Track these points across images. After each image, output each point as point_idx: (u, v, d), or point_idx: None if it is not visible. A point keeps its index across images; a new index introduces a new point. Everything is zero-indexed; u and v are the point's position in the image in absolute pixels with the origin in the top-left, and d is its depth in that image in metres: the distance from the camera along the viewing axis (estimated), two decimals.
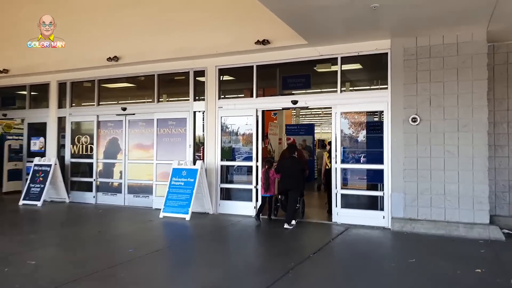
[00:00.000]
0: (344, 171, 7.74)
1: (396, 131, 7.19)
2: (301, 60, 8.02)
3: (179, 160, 8.68)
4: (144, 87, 10.14)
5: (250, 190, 8.42)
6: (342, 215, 7.61)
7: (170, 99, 9.93)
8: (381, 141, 7.40)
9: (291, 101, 8.10)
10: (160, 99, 9.59)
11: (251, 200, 8.40)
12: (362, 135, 7.69)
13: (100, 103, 10.32)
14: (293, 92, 8.35)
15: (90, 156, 10.30)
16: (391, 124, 7.25)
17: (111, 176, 10.21)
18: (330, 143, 8.86)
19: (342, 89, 7.71)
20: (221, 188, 8.77)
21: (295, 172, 7.62)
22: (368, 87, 7.77)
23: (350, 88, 7.85)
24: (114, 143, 10.11)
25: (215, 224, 7.79)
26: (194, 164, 8.58)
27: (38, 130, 11.21)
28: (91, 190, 10.22)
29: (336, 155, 7.71)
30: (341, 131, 7.71)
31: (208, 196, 8.54)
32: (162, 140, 9.41)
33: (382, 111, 7.41)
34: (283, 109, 8.68)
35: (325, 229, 7.35)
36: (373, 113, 7.66)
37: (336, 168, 7.70)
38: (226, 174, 8.90)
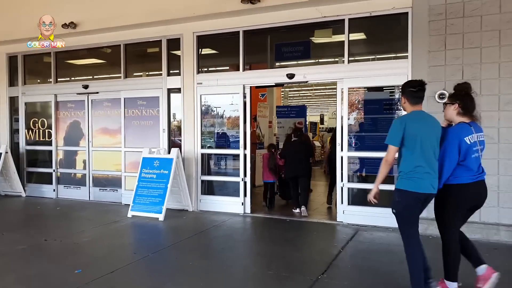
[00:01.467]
0: (351, 160, 6.06)
1: None
2: (299, 23, 6.18)
3: (151, 148, 6.84)
4: (109, 61, 8.18)
5: (237, 183, 6.67)
6: (349, 214, 5.95)
7: (140, 75, 7.99)
8: None
9: (287, 75, 6.28)
10: (128, 76, 7.64)
11: (238, 194, 6.66)
12: (374, 116, 5.97)
13: (59, 80, 8.32)
14: (288, 64, 6.53)
15: (49, 143, 8.34)
16: None
17: (74, 166, 8.31)
18: (333, 129, 7.27)
19: (350, 59, 5.95)
20: (202, 181, 6.99)
21: (304, 157, 6.78)
22: (383, 57, 5.98)
23: (360, 58, 6.05)
24: (76, 127, 8.17)
25: (194, 226, 6.04)
26: (169, 152, 6.77)
27: None
28: (50, 183, 8.30)
29: (342, 141, 6.00)
30: (348, 111, 5.98)
31: (187, 190, 6.76)
32: (131, 123, 7.52)
33: (400, 86, 5.68)
34: (276, 85, 6.86)
35: (330, 232, 5.71)
36: (388, 88, 5.93)
37: (342, 157, 6.00)
38: (208, 164, 7.11)
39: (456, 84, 3.44)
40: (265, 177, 7.28)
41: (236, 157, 6.77)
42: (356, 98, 6.05)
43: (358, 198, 6.09)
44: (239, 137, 6.63)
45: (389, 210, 5.78)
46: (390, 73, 5.72)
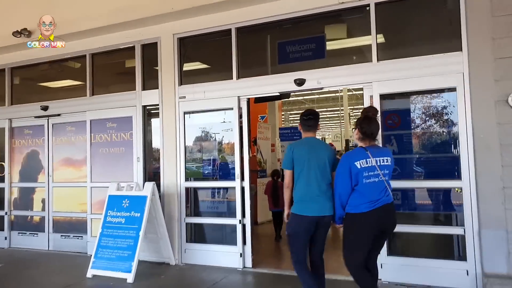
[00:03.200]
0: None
1: (482, 121, 3.84)
2: (308, 13, 4.61)
3: (119, 183, 5.12)
4: (74, 77, 6.54)
5: (234, 226, 4.90)
6: (390, 268, 4.15)
7: (110, 91, 6.31)
8: (453, 140, 4.04)
9: (295, 81, 4.64)
10: (95, 93, 6.01)
11: (235, 242, 4.86)
12: (417, 131, 4.29)
13: (15, 102, 6.69)
14: (296, 67, 4.80)
15: (1, 179, 6.62)
16: (471, 109, 3.90)
17: (30, 207, 6.52)
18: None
19: (379, 57, 4.32)
20: (187, 224, 5.21)
21: None
22: (426, 51, 4.31)
23: (393, 55, 4.40)
24: (34, 159, 6.47)
25: None
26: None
27: None
28: (2, 229, 6.51)
29: None
30: (384, 124, 4.28)
31: (167, 237, 4.98)
32: (99, 151, 5.82)
33: (454, 88, 4.04)
34: (280, 95, 5.12)
35: None
36: (436, 92, 4.27)
37: None
38: (195, 201, 5.35)
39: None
40: (270, 206, 6.60)
41: (231, 190, 5.04)
42: (390, 106, 4.37)
43: (402, 245, 4.33)
44: (234, 165, 4.91)
45: (450, 264, 4.10)
46: (437, 71, 4.09)
